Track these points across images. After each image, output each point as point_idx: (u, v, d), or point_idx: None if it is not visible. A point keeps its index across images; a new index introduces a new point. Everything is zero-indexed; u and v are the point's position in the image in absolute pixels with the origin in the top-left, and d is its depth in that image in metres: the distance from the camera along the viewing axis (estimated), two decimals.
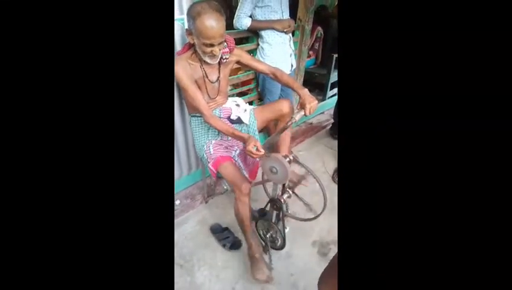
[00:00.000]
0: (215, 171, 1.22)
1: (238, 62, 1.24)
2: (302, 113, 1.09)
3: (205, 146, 1.26)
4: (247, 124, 1.30)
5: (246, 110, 1.31)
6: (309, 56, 2.89)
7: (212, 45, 1.00)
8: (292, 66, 1.78)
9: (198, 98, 1.11)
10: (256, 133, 1.32)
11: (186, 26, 1.25)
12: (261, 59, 1.66)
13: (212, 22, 0.95)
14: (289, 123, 1.11)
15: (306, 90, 1.13)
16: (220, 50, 1.05)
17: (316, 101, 1.11)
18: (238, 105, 1.32)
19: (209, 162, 1.23)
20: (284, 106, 1.27)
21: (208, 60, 1.07)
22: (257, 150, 1.00)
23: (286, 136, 1.33)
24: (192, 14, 0.97)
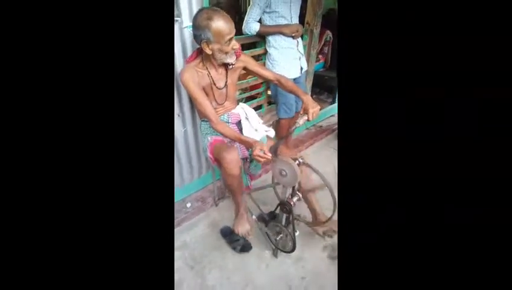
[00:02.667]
0: (212, 157, 1.24)
1: (244, 68, 1.26)
2: (306, 118, 1.10)
3: (206, 140, 1.29)
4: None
5: (256, 131, 1.30)
6: (318, 60, 2.90)
7: (231, 39, 1.05)
8: (302, 68, 1.78)
9: (207, 105, 1.13)
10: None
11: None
12: (269, 64, 1.68)
13: (225, 18, 1.01)
14: (293, 128, 1.12)
15: (309, 95, 1.15)
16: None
17: (319, 107, 1.12)
18: (247, 119, 1.32)
19: (207, 152, 1.26)
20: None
21: (229, 59, 1.10)
22: (264, 153, 1.02)
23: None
24: (203, 23, 1.00)
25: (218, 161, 1.23)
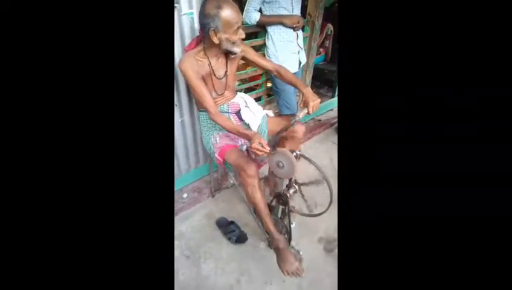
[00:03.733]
0: (221, 160, 1.22)
1: (243, 58, 1.25)
2: (306, 111, 1.09)
3: (212, 138, 1.27)
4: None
5: (255, 114, 1.29)
6: (319, 53, 2.87)
7: (239, 28, 1.04)
8: (301, 63, 1.75)
9: (205, 96, 1.12)
10: (265, 137, 1.31)
11: (195, 21, 1.26)
12: (267, 58, 1.66)
13: (233, 7, 1.00)
14: (292, 121, 1.11)
15: (309, 88, 1.13)
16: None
17: (319, 100, 1.11)
18: (247, 106, 1.31)
19: (215, 152, 1.24)
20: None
21: (236, 49, 1.09)
22: (262, 147, 1.00)
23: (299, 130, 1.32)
24: (213, 12, 0.98)
25: (229, 164, 1.20)
